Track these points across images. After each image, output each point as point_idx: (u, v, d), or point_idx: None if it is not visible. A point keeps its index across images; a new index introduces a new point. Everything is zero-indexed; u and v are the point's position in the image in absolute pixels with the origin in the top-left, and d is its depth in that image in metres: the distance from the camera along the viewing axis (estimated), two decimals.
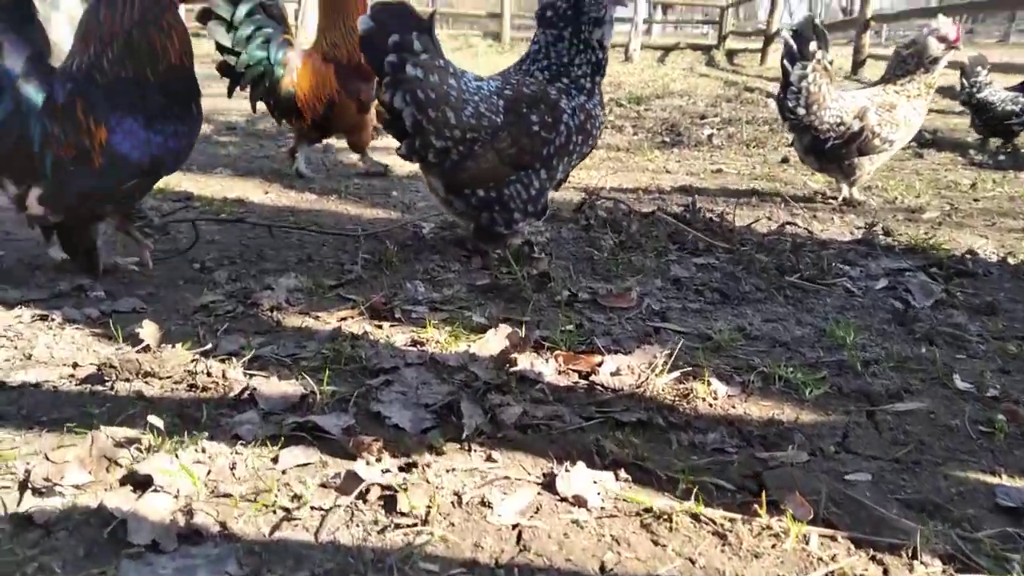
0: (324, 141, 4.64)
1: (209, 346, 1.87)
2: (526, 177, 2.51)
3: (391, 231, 3.06)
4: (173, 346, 1.82)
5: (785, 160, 5.33)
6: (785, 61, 3.62)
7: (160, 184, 4.12)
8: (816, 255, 2.78)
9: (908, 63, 3.76)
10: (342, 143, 6.01)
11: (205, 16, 3.46)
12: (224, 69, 3.62)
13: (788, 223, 3.31)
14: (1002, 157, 5.57)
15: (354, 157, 4.70)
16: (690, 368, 1.78)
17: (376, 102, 3.04)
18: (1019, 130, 5.93)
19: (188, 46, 2.40)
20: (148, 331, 1.86)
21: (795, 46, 3.56)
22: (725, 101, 9.56)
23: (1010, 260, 2.84)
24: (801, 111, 3.61)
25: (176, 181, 4.19)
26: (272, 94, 3.76)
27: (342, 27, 3.82)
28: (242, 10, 3.35)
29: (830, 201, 3.94)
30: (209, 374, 1.68)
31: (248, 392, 1.62)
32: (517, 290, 2.37)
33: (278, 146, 5.86)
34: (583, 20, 2.49)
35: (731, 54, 19.36)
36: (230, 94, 3.14)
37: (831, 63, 3.63)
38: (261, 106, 3.85)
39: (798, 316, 2.24)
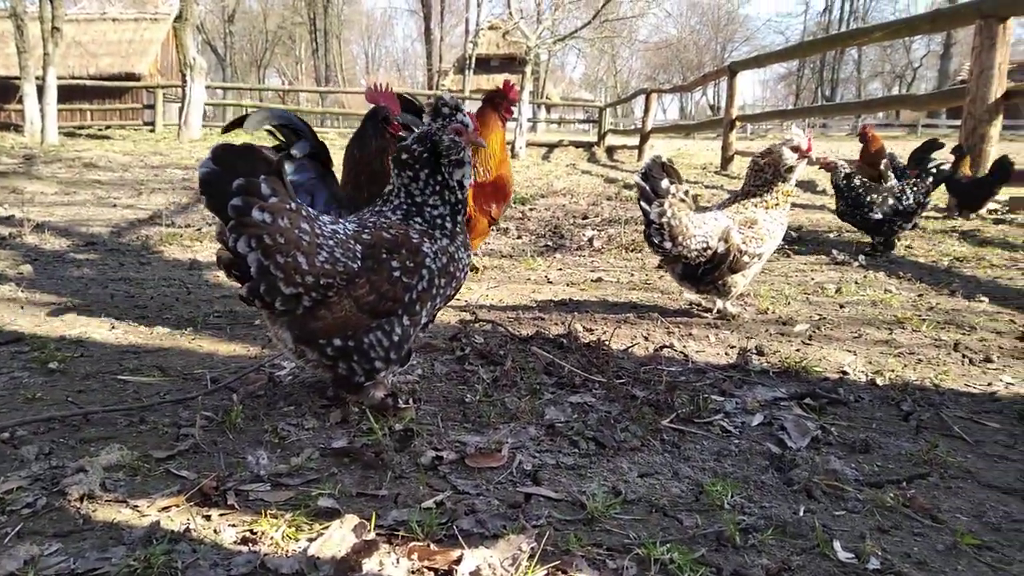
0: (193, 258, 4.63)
1: None
2: (387, 324, 2.33)
3: (244, 376, 2.78)
4: None
5: (661, 265, 5.41)
6: (642, 203, 3.61)
7: None
8: (692, 388, 2.71)
9: (765, 172, 3.84)
10: (209, 259, 5.69)
11: None
12: None
13: (665, 346, 3.26)
14: (862, 256, 5.89)
15: (220, 275, 4.45)
16: (559, 560, 1.60)
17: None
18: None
19: None
20: None
21: (648, 187, 3.57)
22: (606, 199, 9.85)
23: (879, 381, 2.87)
24: (668, 245, 3.62)
25: (12, 317, 3.76)
26: None
27: (482, 153, 4.22)
28: None
29: (704, 315, 3.95)
30: None
31: None
32: (377, 451, 2.15)
33: (140, 262, 5.46)
34: (442, 162, 2.40)
35: (611, 150, 20.33)
36: None
37: (687, 193, 3.66)
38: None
39: (675, 467, 2.12)
